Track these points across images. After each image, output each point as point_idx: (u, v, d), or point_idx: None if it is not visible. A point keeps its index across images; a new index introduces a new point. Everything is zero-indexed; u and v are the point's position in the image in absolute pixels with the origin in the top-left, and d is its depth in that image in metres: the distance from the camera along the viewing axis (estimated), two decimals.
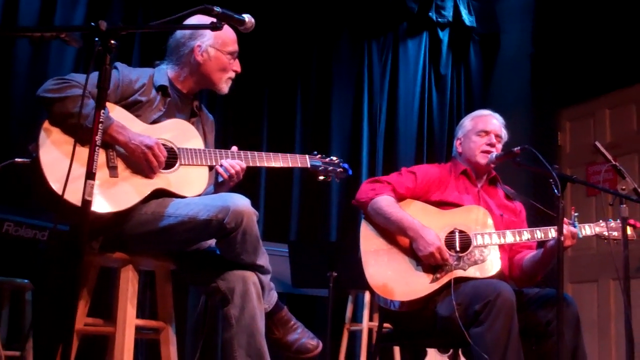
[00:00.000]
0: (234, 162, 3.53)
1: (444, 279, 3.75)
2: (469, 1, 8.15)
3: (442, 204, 4.05)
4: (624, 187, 3.94)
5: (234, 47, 3.71)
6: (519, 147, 3.86)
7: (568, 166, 7.05)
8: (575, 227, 3.87)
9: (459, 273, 3.77)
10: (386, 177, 4.11)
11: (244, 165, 3.56)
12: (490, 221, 3.98)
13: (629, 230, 3.90)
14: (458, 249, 3.84)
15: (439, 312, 3.70)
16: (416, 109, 7.83)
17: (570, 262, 6.82)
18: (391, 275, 3.79)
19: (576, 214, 3.94)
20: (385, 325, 4.14)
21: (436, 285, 3.75)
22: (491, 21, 8.30)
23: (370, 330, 6.23)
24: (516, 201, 4.31)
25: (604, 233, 3.95)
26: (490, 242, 3.87)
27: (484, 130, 4.19)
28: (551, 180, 3.51)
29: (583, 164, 6.79)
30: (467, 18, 8.07)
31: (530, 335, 3.70)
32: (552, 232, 3.87)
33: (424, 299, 3.74)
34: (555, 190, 3.46)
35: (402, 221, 3.86)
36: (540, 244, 3.98)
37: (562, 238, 3.66)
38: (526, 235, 3.92)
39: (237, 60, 3.74)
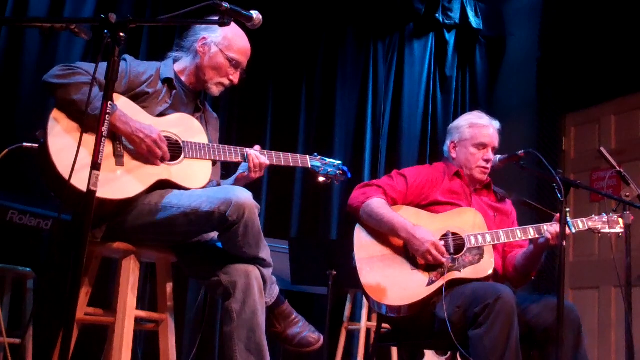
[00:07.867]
0: (258, 154, 3.62)
1: (440, 282, 3.73)
2: (476, 3, 8.15)
3: (435, 204, 4.05)
4: (628, 194, 3.95)
5: (239, 57, 3.74)
6: (523, 151, 3.85)
7: (572, 171, 7.03)
8: (568, 224, 3.72)
9: (455, 275, 3.77)
10: (377, 181, 4.12)
11: (267, 161, 3.62)
12: (482, 222, 3.96)
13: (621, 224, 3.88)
14: (452, 250, 3.83)
15: (437, 313, 3.67)
16: (420, 110, 7.83)
17: (572, 268, 6.82)
18: (387, 281, 3.78)
19: (567, 209, 3.88)
20: (384, 325, 4.13)
21: (433, 288, 3.73)
22: (498, 24, 8.31)
23: (368, 330, 6.21)
24: (507, 202, 4.29)
25: (597, 227, 3.88)
26: (484, 242, 3.85)
27: (482, 143, 4.16)
28: (555, 184, 3.51)
29: (587, 170, 6.79)
30: (474, 20, 8.07)
31: (531, 341, 3.69)
32: (544, 229, 3.80)
33: (422, 302, 3.73)
34: (559, 195, 3.47)
35: (393, 222, 3.86)
36: (532, 240, 3.92)
37: (549, 237, 3.70)
38: (519, 234, 3.89)
39: (237, 73, 3.76)
